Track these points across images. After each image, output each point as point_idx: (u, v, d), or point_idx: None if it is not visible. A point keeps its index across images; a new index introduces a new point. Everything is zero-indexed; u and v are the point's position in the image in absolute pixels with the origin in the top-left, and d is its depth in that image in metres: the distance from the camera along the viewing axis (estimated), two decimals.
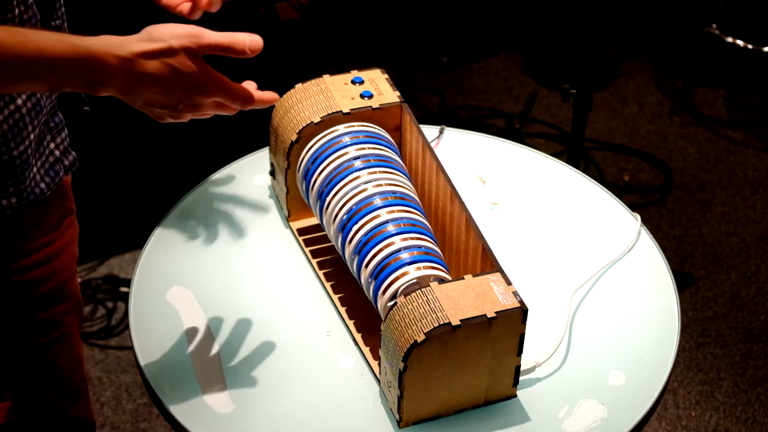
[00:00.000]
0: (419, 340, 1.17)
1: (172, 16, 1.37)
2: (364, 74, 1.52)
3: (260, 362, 1.33)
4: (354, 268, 1.33)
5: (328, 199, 1.37)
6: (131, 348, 1.34)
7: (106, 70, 1.08)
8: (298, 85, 1.49)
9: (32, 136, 1.22)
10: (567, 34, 3.45)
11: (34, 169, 1.26)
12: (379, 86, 1.50)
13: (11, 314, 1.30)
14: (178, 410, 1.26)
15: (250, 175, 1.60)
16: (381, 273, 1.28)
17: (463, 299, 1.21)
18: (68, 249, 1.39)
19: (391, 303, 1.24)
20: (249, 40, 1.18)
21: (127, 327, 1.37)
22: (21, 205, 1.25)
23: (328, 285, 1.43)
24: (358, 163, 1.37)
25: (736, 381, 2.44)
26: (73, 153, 1.33)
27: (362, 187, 1.35)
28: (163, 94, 1.13)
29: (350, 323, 1.38)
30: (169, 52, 1.11)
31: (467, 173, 1.61)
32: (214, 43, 1.14)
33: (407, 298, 1.21)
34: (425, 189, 1.44)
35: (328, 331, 1.37)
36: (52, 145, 1.30)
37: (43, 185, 1.28)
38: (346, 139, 1.40)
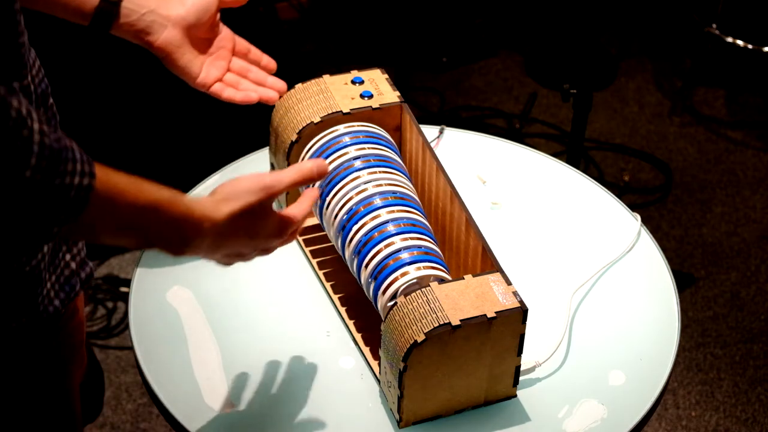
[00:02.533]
0: (419, 340, 1.17)
1: None
2: (364, 74, 1.52)
3: (260, 362, 1.33)
4: (354, 268, 1.33)
5: (328, 199, 1.37)
6: (131, 348, 1.34)
7: (200, 233, 1.08)
8: (298, 85, 1.49)
9: (46, 248, 1.14)
10: (567, 34, 3.45)
11: (48, 285, 1.16)
12: (379, 86, 1.50)
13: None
14: (178, 410, 1.26)
15: None
16: (381, 273, 1.28)
17: (463, 299, 1.21)
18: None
19: (391, 303, 1.24)
20: (316, 166, 1.19)
21: (127, 327, 1.37)
22: (32, 325, 1.15)
23: (328, 285, 1.43)
24: (358, 163, 1.37)
25: (736, 381, 2.44)
26: (90, 264, 1.24)
27: (362, 187, 1.35)
28: (242, 246, 1.15)
29: (350, 323, 1.38)
30: (250, 209, 1.12)
31: (467, 173, 1.61)
32: (288, 186, 1.16)
33: (407, 298, 1.21)
34: (425, 189, 1.44)
35: (328, 331, 1.37)
36: (68, 257, 1.20)
37: (57, 302, 1.18)
38: (346, 139, 1.40)
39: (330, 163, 1.39)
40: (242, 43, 1.45)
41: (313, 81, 1.50)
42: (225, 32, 1.42)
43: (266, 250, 1.19)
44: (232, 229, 1.11)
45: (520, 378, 1.29)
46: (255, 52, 1.45)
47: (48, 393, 1.26)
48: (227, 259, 1.16)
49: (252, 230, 1.14)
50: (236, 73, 1.42)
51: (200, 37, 1.38)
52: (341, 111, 1.45)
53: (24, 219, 0.92)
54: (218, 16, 1.39)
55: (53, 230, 0.94)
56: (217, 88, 1.39)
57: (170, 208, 1.06)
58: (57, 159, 0.92)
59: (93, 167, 0.96)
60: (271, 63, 1.46)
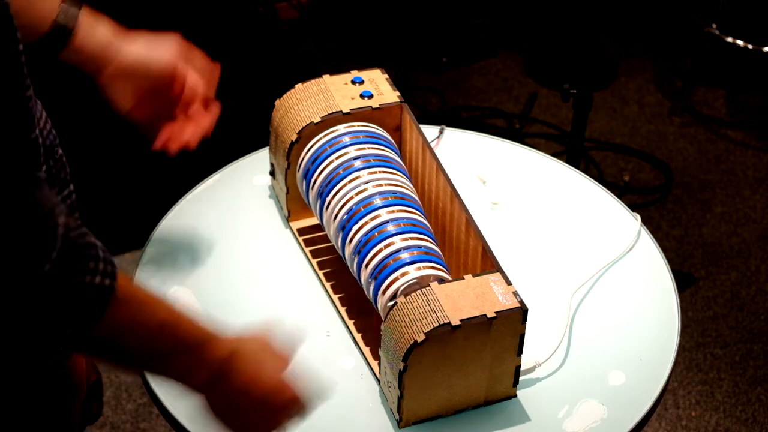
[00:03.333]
0: (419, 340, 1.17)
1: None
2: (364, 74, 1.52)
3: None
4: (354, 268, 1.33)
5: (328, 199, 1.37)
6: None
7: (227, 355, 1.06)
8: (298, 85, 1.49)
9: None
10: (567, 34, 3.44)
11: None
12: (379, 86, 1.50)
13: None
14: (178, 410, 1.26)
15: (250, 175, 1.60)
16: (381, 273, 1.28)
17: (463, 299, 1.21)
18: None
19: (391, 303, 1.24)
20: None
21: None
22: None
23: (328, 285, 1.43)
24: (358, 163, 1.37)
25: (736, 381, 2.44)
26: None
27: (362, 187, 1.35)
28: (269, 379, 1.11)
29: (350, 323, 1.38)
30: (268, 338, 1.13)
31: (467, 173, 1.61)
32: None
33: (407, 298, 1.21)
34: (425, 189, 1.44)
35: (328, 331, 1.37)
36: None
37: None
38: (346, 139, 1.40)
39: (330, 163, 1.39)
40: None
41: (313, 81, 1.50)
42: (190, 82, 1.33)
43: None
44: (259, 362, 1.09)
45: (520, 378, 1.29)
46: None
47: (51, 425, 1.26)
48: (248, 412, 1.10)
49: (274, 372, 1.11)
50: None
51: (145, 84, 1.31)
52: (341, 111, 1.45)
53: (39, 317, 0.88)
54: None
55: (66, 332, 0.91)
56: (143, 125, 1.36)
57: (190, 329, 1.03)
58: (79, 256, 0.89)
59: (116, 269, 0.94)
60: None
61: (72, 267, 0.89)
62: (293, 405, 1.12)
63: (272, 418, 1.11)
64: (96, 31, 1.25)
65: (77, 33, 1.23)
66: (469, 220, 1.33)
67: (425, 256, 1.29)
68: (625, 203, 1.59)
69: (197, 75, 1.32)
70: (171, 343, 1.01)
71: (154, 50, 1.29)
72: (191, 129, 1.34)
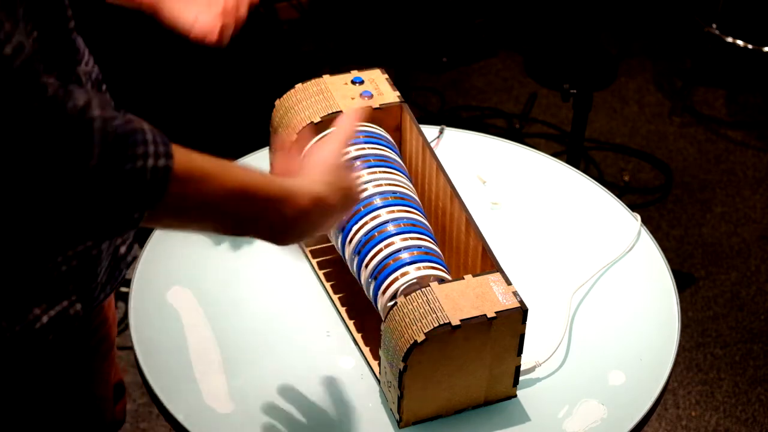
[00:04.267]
0: (419, 340, 1.17)
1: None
2: (364, 74, 1.52)
3: (260, 362, 1.33)
4: (354, 268, 1.33)
5: None
6: (131, 348, 1.34)
7: (302, 210, 1.07)
8: (298, 85, 1.49)
9: None
10: (567, 34, 3.45)
11: (102, 270, 1.13)
12: (379, 86, 1.50)
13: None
14: (178, 410, 1.26)
15: None
16: (381, 273, 1.28)
17: (463, 299, 1.21)
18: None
19: (391, 303, 1.24)
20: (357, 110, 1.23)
21: (127, 327, 1.37)
22: (85, 313, 1.11)
23: (328, 285, 1.43)
24: (357, 163, 1.37)
25: (736, 381, 2.44)
26: (136, 246, 1.21)
27: (362, 187, 1.35)
28: (345, 205, 1.14)
29: (350, 323, 1.38)
30: (336, 167, 1.14)
31: (467, 173, 1.61)
32: (352, 129, 1.19)
33: (407, 298, 1.21)
34: (425, 189, 1.44)
35: (328, 331, 1.37)
36: (119, 240, 1.16)
37: (108, 288, 1.15)
38: None
39: None
40: None
41: (313, 81, 1.50)
42: None
43: (356, 197, 1.17)
44: (332, 192, 1.10)
45: (520, 378, 1.29)
46: None
47: (78, 394, 1.25)
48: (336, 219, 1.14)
49: (345, 182, 1.13)
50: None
51: None
52: (341, 111, 1.45)
53: (101, 209, 0.90)
54: None
55: (134, 216, 0.92)
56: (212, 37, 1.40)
57: (264, 190, 1.03)
58: (124, 144, 0.90)
59: (170, 148, 0.94)
60: None
61: (119, 156, 0.89)
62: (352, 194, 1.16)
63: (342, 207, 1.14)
64: None
65: None
66: (469, 220, 1.33)
67: (425, 256, 1.29)
68: (625, 203, 1.59)
69: None
70: (245, 209, 1.02)
71: None
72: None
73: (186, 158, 0.96)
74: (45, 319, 1.05)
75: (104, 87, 1.15)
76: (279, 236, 1.07)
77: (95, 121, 0.88)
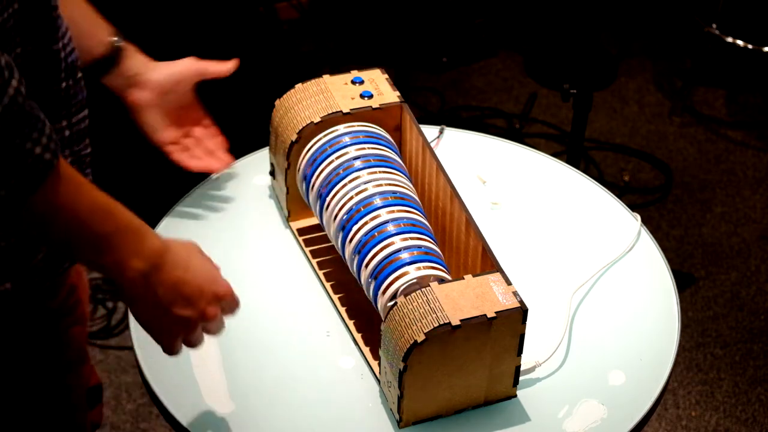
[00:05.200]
0: (419, 340, 1.17)
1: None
2: (364, 74, 1.52)
3: (260, 362, 1.33)
4: (354, 268, 1.33)
5: (328, 199, 1.37)
6: (131, 348, 1.34)
7: (159, 248, 1.09)
8: (298, 85, 1.50)
9: None
10: (567, 34, 3.45)
11: (38, 253, 1.19)
12: (379, 86, 1.50)
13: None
14: (178, 410, 1.26)
15: (250, 175, 1.60)
16: (381, 273, 1.28)
17: (463, 299, 1.21)
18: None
19: (391, 303, 1.24)
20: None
21: (127, 327, 1.37)
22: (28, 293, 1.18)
23: (328, 285, 1.43)
24: (358, 163, 1.37)
25: (736, 381, 2.44)
26: None
27: (362, 187, 1.35)
28: (198, 288, 1.13)
29: (350, 323, 1.38)
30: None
31: (467, 173, 1.61)
32: None
33: (407, 298, 1.21)
34: (425, 189, 1.44)
35: (328, 331, 1.37)
36: None
37: (59, 267, 1.23)
38: (346, 139, 1.40)
39: (330, 163, 1.39)
40: (203, 115, 1.56)
41: (313, 81, 1.50)
42: (194, 101, 1.53)
43: (212, 311, 1.14)
44: (190, 258, 1.12)
45: (520, 378, 1.29)
46: (212, 126, 1.56)
47: (50, 390, 1.26)
48: (179, 308, 1.11)
49: (206, 267, 1.14)
50: (195, 138, 1.53)
51: (172, 101, 1.50)
52: (341, 111, 1.45)
53: None
54: (193, 86, 1.52)
55: (1, 193, 0.94)
56: (170, 149, 1.51)
57: (128, 217, 1.06)
58: (24, 121, 0.93)
59: (59, 149, 0.97)
60: (223, 141, 1.56)
61: (15, 129, 0.93)
62: (226, 297, 1.14)
63: (204, 314, 1.12)
64: (135, 60, 1.44)
65: (122, 59, 1.43)
66: (469, 220, 1.33)
67: (425, 256, 1.29)
68: (625, 203, 1.59)
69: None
70: (109, 225, 1.04)
71: (177, 64, 1.50)
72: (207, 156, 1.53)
73: (68, 166, 1.00)
74: None
75: (80, 74, 1.18)
76: (126, 280, 1.06)
77: (11, 87, 0.92)
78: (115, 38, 1.42)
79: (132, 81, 1.45)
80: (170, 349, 1.14)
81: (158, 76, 1.47)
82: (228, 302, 1.16)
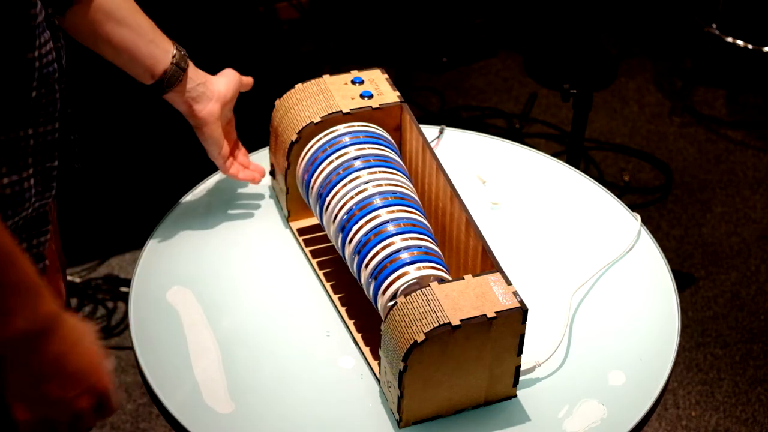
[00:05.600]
0: (419, 340, 1.17)
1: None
2: (364, 74, 1.52)
3: (260, 362, 1.33)
4: (354, 268, 1.33)
5: (328, 199, 1.37)
6: (131, 348, 1.34)
7: (49, 312, 1.01)
8: (298, 85, 1.50)
9: (27, 214, 1.13)
10: (567, 34, 3.45)
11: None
12: (379, 86, 1.50)
13: None
14: (178, 410, 1.26)
15: None
16: (381, 273, 1.28)
17: (463, 299, 1.21)
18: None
19: (391, 303, 1.24)
20: None
21: (127, 327, 1.37)
22: None
23: (328, 285, 1.43)
24: (358, 163, 1.37)
25: (736, 381, 2.44)
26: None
27: (362, 187, 1.35)
28: (67, 380, 1.03)
29: (350, 323, 1.38)
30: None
31: (467, 173, 1.61)
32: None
33: (407, 298, 1.21)
34: (425, 189, 1.44)
35: (328, 331, 1.37)
36: (45, 237, 1.17)
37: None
38: (346, 139, 1.40)
39: (330, 163, 1.39)
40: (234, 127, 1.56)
41: (313, 81, 1.50)
42: (231, 114, 1.53)
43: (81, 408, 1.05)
44: (82, 339, 1.03)
45: (520, 378, 1.29)
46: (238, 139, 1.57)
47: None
48: (53, 387, 1.02)
49: (95, 355, 1.05)
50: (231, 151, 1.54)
51: (227, 113, 1.50)
52: (341, 111, 1.45)
53: None
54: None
55: None
56: (228, 163, 1.51)
57: (32, 272, 0.99)
58: None
59: None
60: (247, 156, 1.57)
61: None
62: (104, 393, 1.05)
63: (78, 401, 1.03)
64: (196, 72, 1.44)
65: (187, 72, 1.43)
66: (469, 220, 1.33)
67: (425, 256, 1.29)
68: (625, 203, 1.59)
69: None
70: (15, 273, 0.97)
71: (227, 75, 1.49)
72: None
73: None
74: None
75: (56, 87, 1.14)
76: (3, 338, 0.98)
77: None
78: (180, 51, 1.42)
79: (198, 93, 1.44)
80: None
81: (221, 87, 1.47)
82: (105, 401, 1.06)
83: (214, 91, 1.46)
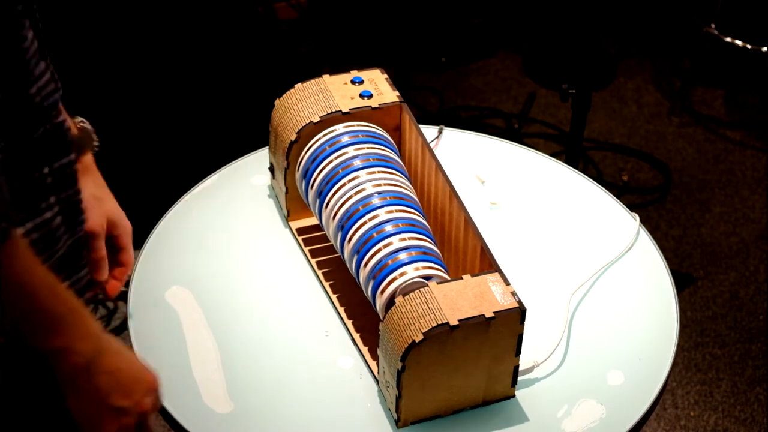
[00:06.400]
0: (417, 340, 1.17)
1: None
2: (363, 74, 1.52)
3: (259, 362, 1.33)
4: (353, 268, 1.34)
5: (327, 198, 1.37)
6: (131, 348, 1.34)
7: (98, 337, 1.04)
8: (298, 85, 1.50)
9: (61, 252, 1.11)
10: (565, 34, 3.45)
11: None
12: (378, 86, 1.50)
13: None
14: (177, 410, 1.26)
15: (250, 174, 1.60)
16: (380, 273, 1.28)
17: (461, 299, 1.21)
18: None
19: (390, 303, 1.24)
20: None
21: (127, 327, 1.37)
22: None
23: (327, 285, 1.43)
24: (357, 163, 1.37)
25: (735, 381, 2.44)
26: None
27: (361, 186, 1.35)
28: (132, 382, 1.08)
29: (349, 323, 1.38)
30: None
31: (466, 173, 1.61)
32: None
33: (405, 297, 1.21)
34: (424, 189, 1.45)
35: (326, 330, 1.37)
36: (83, 272, 1.17)
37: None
38: (346, 139, 1.40)
39: (329, 162, 1.39)
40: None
41: (312, 81, 1.50)
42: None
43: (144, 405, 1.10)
44: (122, 346, 1.07)
45: (519, 378, 1.29)
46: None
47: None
48: (118, 398, 1.06)
49: (135, 357, 1.10)
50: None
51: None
52: (340, 111, 1.45)
53: None
54: None
55: None
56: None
57: (75, 297, 1.01)
58: None
59: (13, 219, 0.93)
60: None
61: None
62: (156, 387, 1.11)
63: (141, 403, 1.08)
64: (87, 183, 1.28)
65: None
66: (468, 220, 1.33)
67: (424, 255, 1.29)
68: (623, 203, 1.59)
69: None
70: (61, 305, 0.99)
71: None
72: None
73: (23, 241, 0.95)
74: None
75: (61, 117, 1.11)
76: (70, 366, 1.02)
77: None
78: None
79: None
80: None
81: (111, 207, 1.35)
82: (157, 395, 1.11)
83: (107, 210, 1.34)
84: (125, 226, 1.33)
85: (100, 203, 1.28)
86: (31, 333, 1.00)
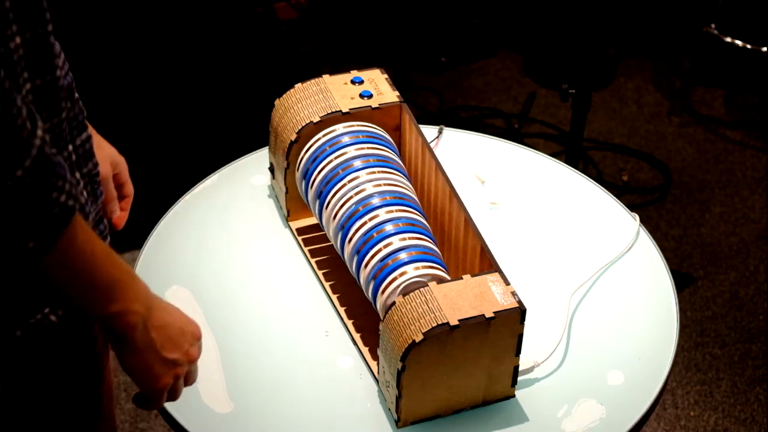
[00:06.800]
0: (417, 340, 1.17)
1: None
2: (363, 74, 1.52)
3: (259, 362, 1.33)
4: (353, 268, 1.34)
5: (327, 198, 1.37)
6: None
7: (155, 299, 1.09)
8: (298, 85, 1.50)
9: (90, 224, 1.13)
10: (565, 34, 3.45)
11: None
12: (378, 86, 1.50)
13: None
14: (176, 410, 1.26)
15: (250, 174, 1.60)
16: (380, 273, 1.29)
17: (461, 299, 1.21)
18: None
19: (390, 303, 1.24)
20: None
21: None
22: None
23: (327, 285, 1.43)
24: (357, 163, 1.37)
25: (735, 381, 2.44)
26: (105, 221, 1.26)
27: (361, 186, 1.35)
28: (183, 337, 1.12)
29: (349, 323, 1.38)
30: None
31: (466, 173, 1.61)
32: None
33: (406, 297, 1.21)
34: (424, 189, 1.45)
35: (326, 330, 1.37)
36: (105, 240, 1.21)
37: None
38: (346, 139, 1.40)
39: (329, 162, 1.39)
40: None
41: (312, 81, 1.50)
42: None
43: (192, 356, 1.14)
44: (163, 300, 1.11)
45: (519, 378, 1.29)
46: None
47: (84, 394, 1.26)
48: (168, 351, 1.10)
49: (177, 308, 1.13)
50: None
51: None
52: (340, 111, 1.45)
53: (4, 222, 0.89)
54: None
55: (28, 246, 0.91)
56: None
57: (123, 260, 1.04)
58: (51, 171, 0.91)
59: (78, 193, 0.95)
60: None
61: (43, 180, 0.91)
62: (200, 335, 1.14)
63: (189, 352, 1.12)
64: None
65: None
66: (468, 220, 1.33)
67: (424, 255, 1.29)
68: (623, 203, 1.59)
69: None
70: (116, 271, 1.02)
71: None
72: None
73: (81, 216, 0.98)
74: (19, 330, 1.08)
75: (76, 95, 1.15)
76: (129, 327, 1.05)
77: (37, 137, 0.90)
78: None
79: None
80: (159, 399, 1.13)
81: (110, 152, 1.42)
82: (200, 344, 1.15)
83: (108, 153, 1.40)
84: (122, 163, 1.40)
85: (100, 150, 1.32)
86: (92, 303, 1.03)
